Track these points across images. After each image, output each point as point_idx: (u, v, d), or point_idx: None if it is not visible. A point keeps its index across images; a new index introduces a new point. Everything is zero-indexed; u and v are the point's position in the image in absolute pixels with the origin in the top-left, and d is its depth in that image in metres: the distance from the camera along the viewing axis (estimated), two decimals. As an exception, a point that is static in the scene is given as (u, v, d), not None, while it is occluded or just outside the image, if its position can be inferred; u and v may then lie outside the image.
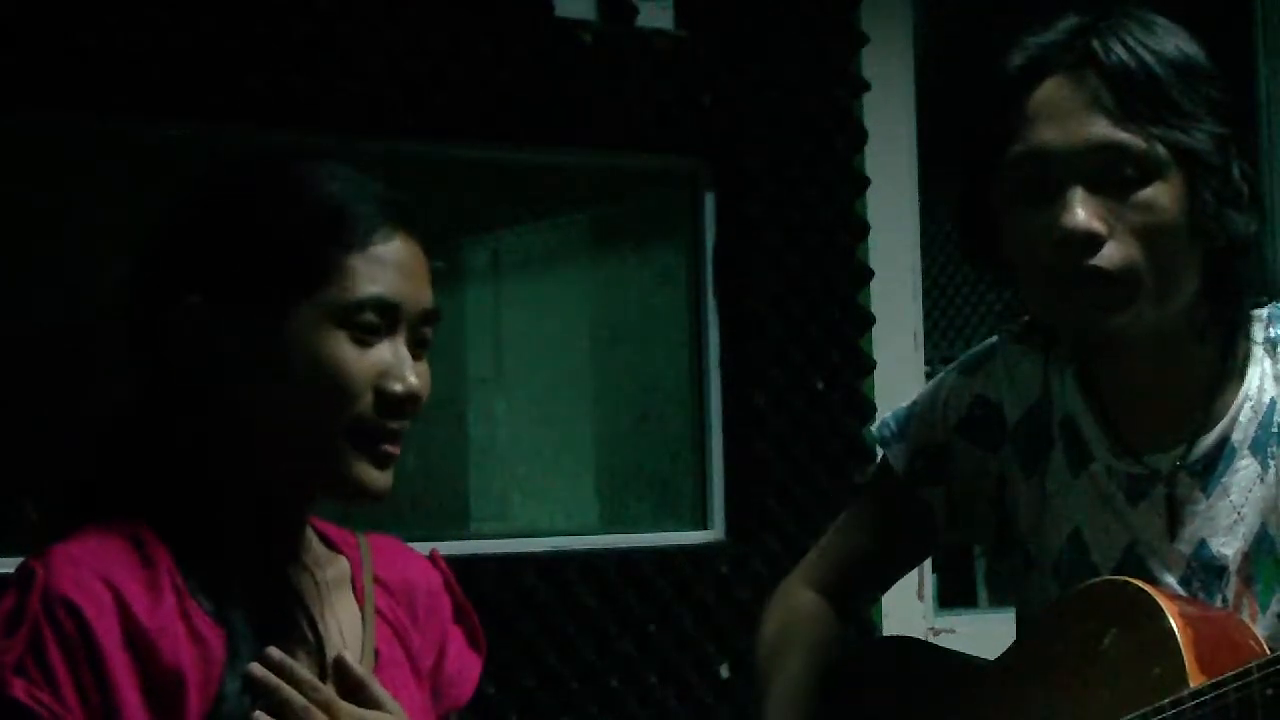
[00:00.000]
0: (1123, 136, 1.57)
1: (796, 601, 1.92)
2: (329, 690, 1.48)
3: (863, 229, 3.87)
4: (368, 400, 1.50)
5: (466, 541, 3.54)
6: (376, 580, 1.62)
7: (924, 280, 4.07)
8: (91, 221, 3.09)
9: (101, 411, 1.60)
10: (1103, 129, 1.58)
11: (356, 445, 1.50)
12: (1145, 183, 1.58)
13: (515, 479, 3.79)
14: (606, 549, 3.57)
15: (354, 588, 1.61)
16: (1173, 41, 1.62)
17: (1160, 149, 1.57)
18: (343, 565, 1.62)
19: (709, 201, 3.76)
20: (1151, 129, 1.57)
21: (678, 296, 3.80)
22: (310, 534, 1.61)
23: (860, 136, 3.88)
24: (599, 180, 3.82)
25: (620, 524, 3.78)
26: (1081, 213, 1.57)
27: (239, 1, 3.16)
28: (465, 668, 1.69)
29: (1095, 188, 1.58)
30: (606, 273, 3.94)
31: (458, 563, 3.38)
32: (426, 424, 3.89)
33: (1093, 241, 1.57)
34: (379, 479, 1.52)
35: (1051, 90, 1.61)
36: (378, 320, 1.50)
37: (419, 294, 1.54)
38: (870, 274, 3.87)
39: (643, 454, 3.83)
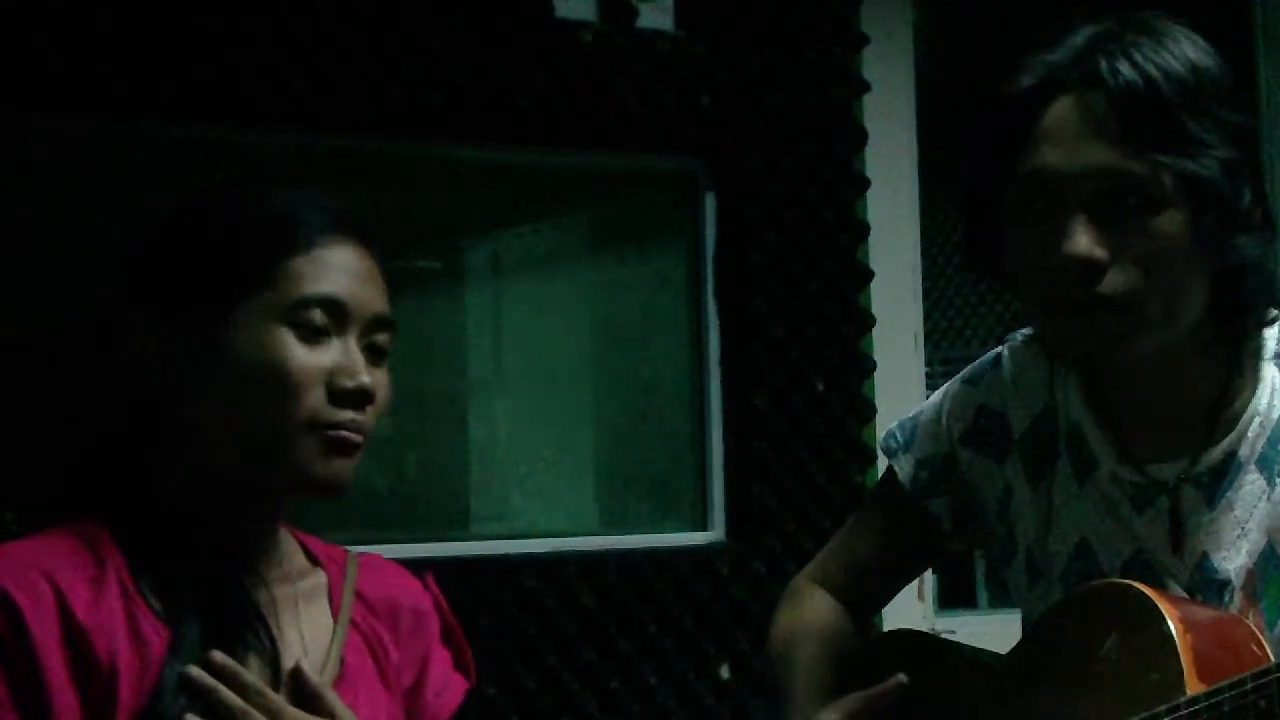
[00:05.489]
0: (1126, 164, 1.54)
1: (808, 600, 1.93)
2: (277, 697, 1.50)
3: (863, 229, 3.87)
4: (319, 395, 1.52)
5: (467, 542, 3.54)
6: (358, 595, 1.64)
7: (924, 281, 4.07)
8: (90, 223, 3.09)
9: (72, 420, 1.63)
10: (1106, 155, 1.55)
11: (315, 436, 1.52)
12: (1150, 210, 1.55)
13: (515, 479, 3.79)
14: (606, 549, 3.58)
15: (331, 600, 1.62)
16: (1185, 58, 1.57)
17: (1166, 177, 1.54)
18: (320, 577, 1.64)
19: (709, 202, 3.76)
20: (1157, 156, 1.54)
21: (678, 297, 3.80)
22: (291, 546, 1.63)
23: (860, 137, 3.88)
24: (599, 181, 3.82)
25: (620, 524, 3.78)
26: (1083, 239, 1.55)
27: (239, 2, 3.16)
28: (448, 689, 1.69)
29: (1098, 213, 1.55)
30: (606, 273, 3.94)
31: (458, 564, 3.41)
32: (426, 424, 3.91)
33: (1094, 268, 1.55)
34: (338, 470, 1.54)
35: (1059, 112, 1.57)
36: (325, 320, 1.53)
37: (368, 298, 1.57)
38: (870, 275, 3.87)
39: (643, 454, 3.83)
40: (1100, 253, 1.55)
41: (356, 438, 1.54)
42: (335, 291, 1.53)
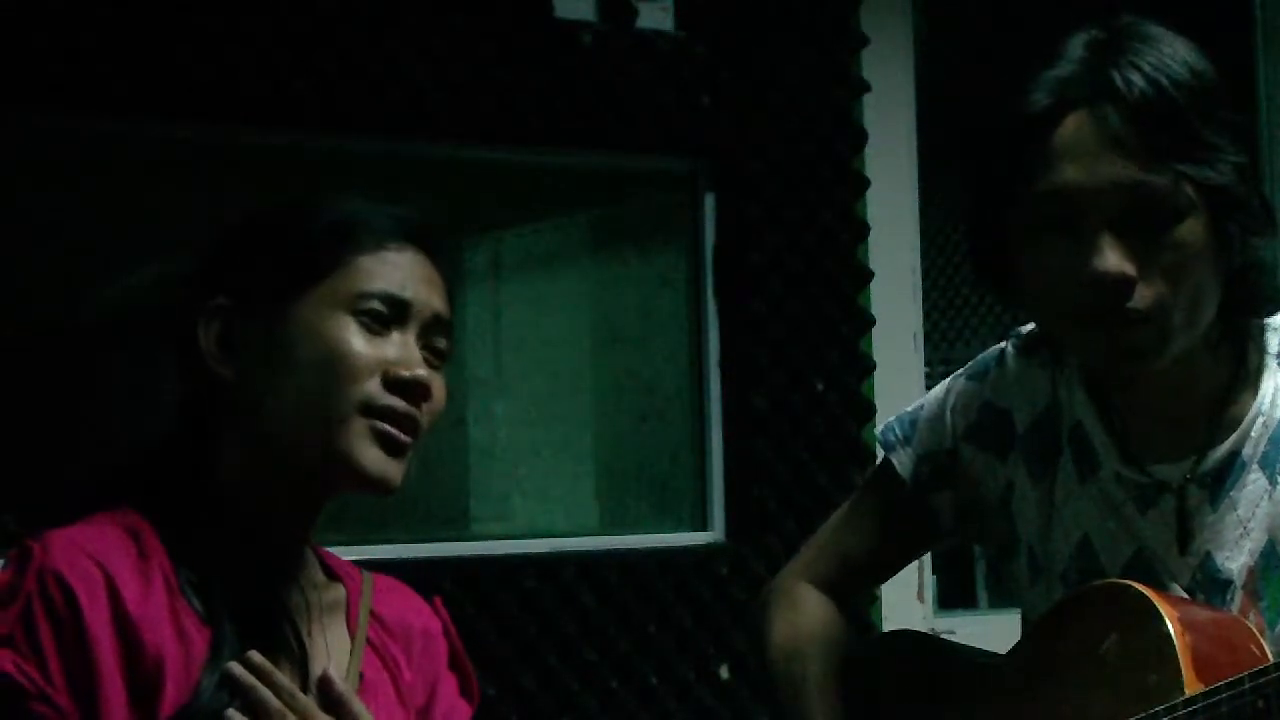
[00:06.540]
0: (1148, 178, 1.54)
1: (804, 601, 1.92)
2: (309, 701, 1.51)
3: (863, 229, 3.87)
4: (375, 382, 1.54)
5: (467, 543, 3.54)
6: (373, 614, 1.65)
7: (924, 281, 4.07)
8: (91, 224, 3.09)
9: (111, 415, 1.64)
10: (1128, 169, 1.54)
11: (367, 422, 1.54)
12: (1173, 221, 1.55)
13: (515, 479, 3.78)
14: (606, 550, 3.57)
15: (348, 616, 1.64)
16: (1184, 62, 1.58)
17: (1186, 187, 1.55)
18: (339, 592, 1.65)
19: (709, 202, 3.76)
20: (1177, 167, 1.54)
21: (678, 297, 3.80)
22: (311, 558, 1.65)
23: (860, 137, 3.88)
24: (599, 181, 3.81)
25: (620, 525, 3.78)
26: (1112, 257, 1.55)
27: (239, 2, 3.16)
28: (454, 713, 1.70)
29: (1122, 227, 1.55)
30: (606, 274, 3.93)
31: (458, 564, 3.40)
32: (426, 424, 3.90)
33: (1124, 284, 1.55)
34: (389, 467, 1.56)
35: (1072, 127, 1.56)
36: (386, 311, 1.56)
37: (430, 298, 1.59)
38: (870, 275, 3.87)
39: (643, 454, 3.83)
40: (1129, 268, 1.55)
41: (405, 437, 1.56)
42: (397, 289, 1.57)
